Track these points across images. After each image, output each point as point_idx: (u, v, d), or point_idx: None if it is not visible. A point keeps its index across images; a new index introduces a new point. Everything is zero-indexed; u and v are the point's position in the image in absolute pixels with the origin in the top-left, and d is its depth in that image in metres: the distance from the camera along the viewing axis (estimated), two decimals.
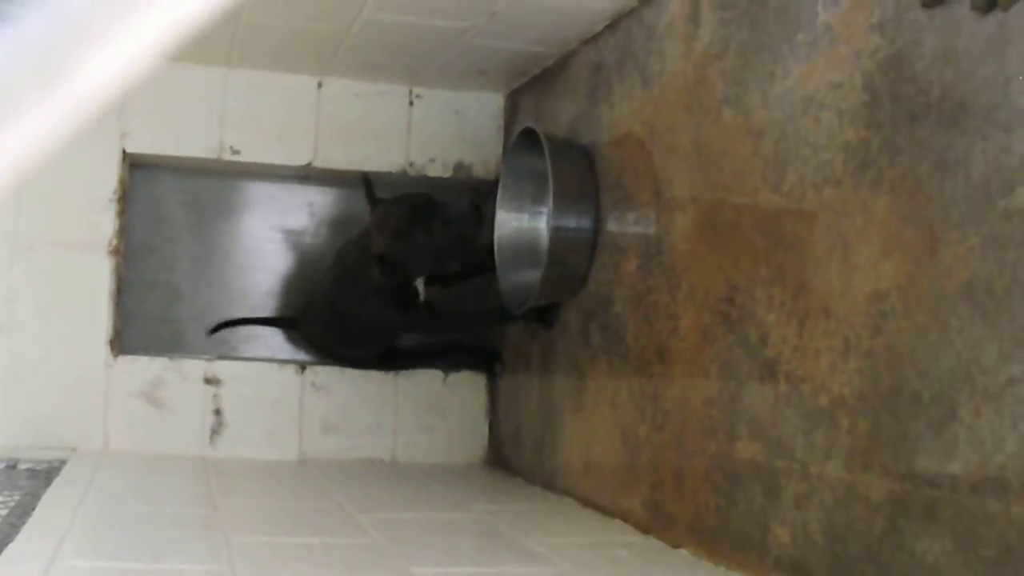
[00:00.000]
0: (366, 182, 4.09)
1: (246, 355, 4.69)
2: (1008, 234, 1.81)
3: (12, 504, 3.05)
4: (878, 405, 2.11)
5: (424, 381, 4.60)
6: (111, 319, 4.29)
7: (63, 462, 3.79)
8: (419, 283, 4.21)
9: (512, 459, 4.32)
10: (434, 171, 4.63)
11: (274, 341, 4.80)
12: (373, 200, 4.05)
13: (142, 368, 4.31)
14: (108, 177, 4.30)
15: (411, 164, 4.61)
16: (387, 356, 4.66)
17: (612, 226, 3.45)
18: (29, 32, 0.50)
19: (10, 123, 0.49)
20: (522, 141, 3.79)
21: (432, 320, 4.47)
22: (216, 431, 4.34)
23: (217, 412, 4.35)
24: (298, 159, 4.49)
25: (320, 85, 4.55)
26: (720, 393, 2.71)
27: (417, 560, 2.64)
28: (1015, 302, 1.79)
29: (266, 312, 4.79)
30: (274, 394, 4.43)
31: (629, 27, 3.42)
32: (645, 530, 3.08)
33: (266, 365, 4.49)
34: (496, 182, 4.16)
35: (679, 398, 2.94)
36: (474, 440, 4.61)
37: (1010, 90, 1.82)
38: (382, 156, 4.58)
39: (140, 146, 4.36)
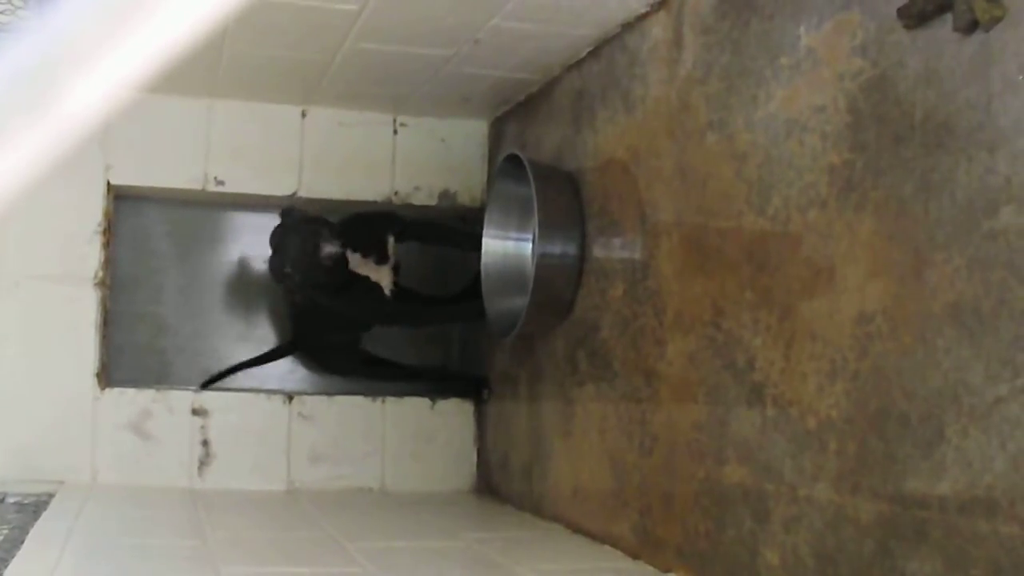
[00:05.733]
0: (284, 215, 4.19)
1: (233, 386, 4.67)
2: (993, 254, 1.81)
3: (0, 539, 3.04)
4: (866, 427, 2.11)
5: (412, 409, 4.59)
6: (98, 351, 4.27)
7: (51, 495, 3.78)
8: (382, 275, 4.22)
9: (501, 486, 4.31)
10: (419, 199, 4.63)
11: (261, 371, 4.80)
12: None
13: (129, 400, 4.29)
14: (93, 209, 4.29)
15: (396, 193, 4.61)
16: (373, 362, 4.68)
17: (598, 252, 3.45)
18: (14, 58, 0.50)
19: None
20: (507, 168, 3.79)
21: (405, 309, 4.45)
22: (204, 462, 4.32)
23: (205, 443, 4.33)
24: (283, 189, 4.48)
25: (304, 115, 4.55)
26: (708, 417, 2.71)
27: None
28: (1001, 322, 1.79)
29: (251, 346, 4.78)
30: (261, 424, 4.41)
31: (612, 53, 3.43)
32: (635, 555, 3.07)
33: (253, 396, 4.47)
34: (478, 209, 4.16)
35: (667, 423, 2.93)
36: (463, 467, 4.60)
37: (993, 110, 1.82)
38: (367, 185, 4.58)
39: (125, 178, 4.35)
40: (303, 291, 4.13)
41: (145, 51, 0.51)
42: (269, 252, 4.10)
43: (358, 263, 4.16)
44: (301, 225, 4.04)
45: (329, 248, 3.97)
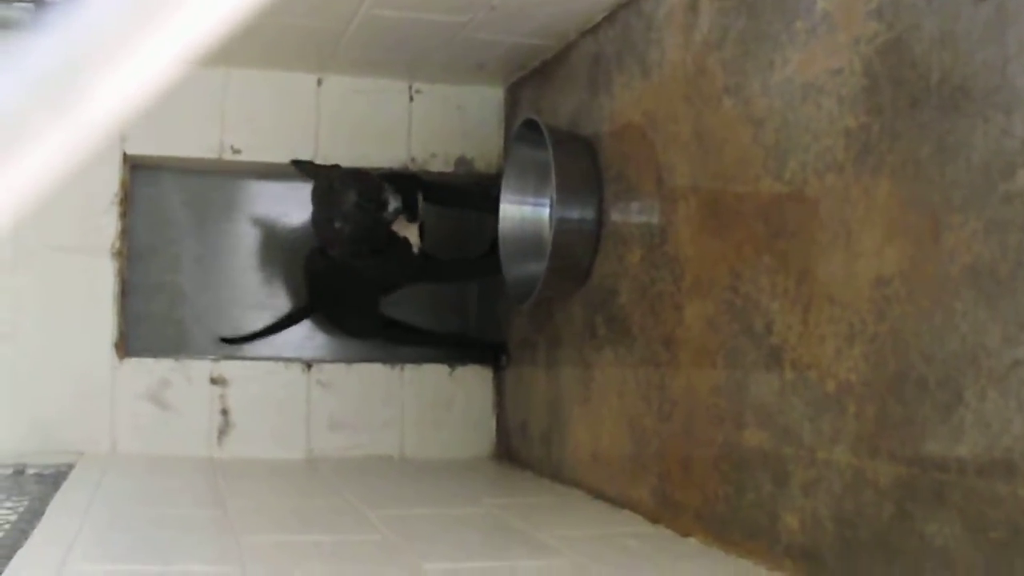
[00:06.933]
0: (299, 166, 4.16)
1: (252, 354, 4.68)
2: (1010, 217, 1.81)
3: (21, 510, 3.05)
4: (884, 390, 2.11)
5: (430, 375, 4.60)
6: (116, 321, 4.28)
7: (71, 466, 3.79)
8: (410, 232, 4.19)
9: (520, 452, 4.32)
10: (436, 166, 4.63)
11: (279, 339, 4.80)
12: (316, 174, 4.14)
13: (148, 370, 4.30)
14: (109, 180, 4.29)
15: (412, 159, 4.60)
16: (391, 325, 4.67)
17: (615, 217, 3.44)
18: (39, 54, 0.49)
19: (18, 147, 0.49)
20: (524, 133, 3.79)
21: (429, 267, 4.43)
22: (223, 431, 4.33)
23: (224, 412, 4.34)
24: (299, 157, 4.47)
25: (320, 82, 4.55)
26: (727, 381, 2.71)
27: (428, 556, 2.64)
28: (1018, 284, 1.79)
29: (269, 314, 4.79)
30: (280, 393, 4.42)
31: (627, 17, 3.42)
32: (654, 520, 3.08)
33: (272, 364, 4.48)
34: (495, 175, 4.16)
35: (686, 387, 2.94)
36: (482, 433, 4.61)
37: (1009, 72, 1.82)
38: (383, 152, 4.58)
39: (141, 148, 4.35)
40: (345, 248, 4.06)
41: (176, 39, 0.51)
42: (289, 217, 4.07)
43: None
44: (354, 180, 3.99)
45: (395, 204, 3.96)
